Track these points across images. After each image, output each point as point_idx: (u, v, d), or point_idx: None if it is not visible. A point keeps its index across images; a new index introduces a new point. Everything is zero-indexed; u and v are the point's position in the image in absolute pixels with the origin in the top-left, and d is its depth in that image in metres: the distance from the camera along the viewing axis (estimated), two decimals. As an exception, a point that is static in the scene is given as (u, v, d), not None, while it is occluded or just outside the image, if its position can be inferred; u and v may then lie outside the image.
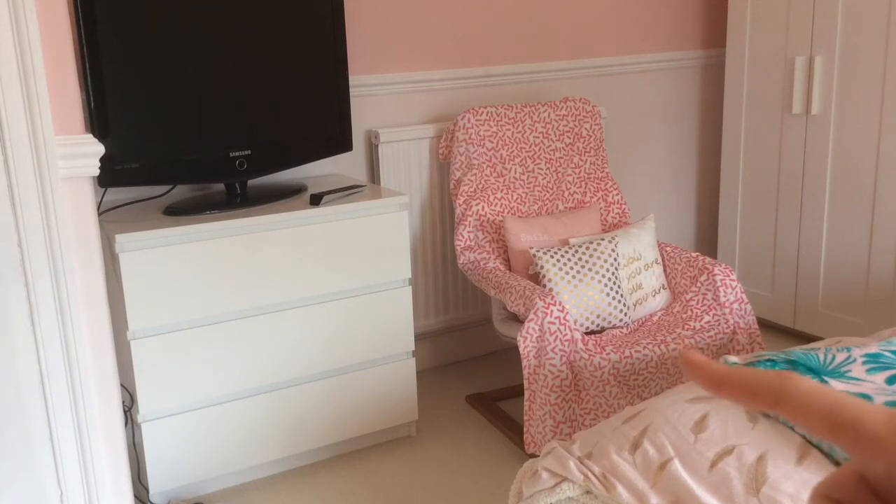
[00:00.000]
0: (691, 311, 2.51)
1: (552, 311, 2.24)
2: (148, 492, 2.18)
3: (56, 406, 1.69)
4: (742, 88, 3.18)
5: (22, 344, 1.64)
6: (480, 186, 2.71)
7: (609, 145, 3.29)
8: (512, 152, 2.76)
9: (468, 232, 2.67)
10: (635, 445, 1.46)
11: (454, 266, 2.95)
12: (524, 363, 2.25)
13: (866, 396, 1.48)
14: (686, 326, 2.44)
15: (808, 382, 0.33)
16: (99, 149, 1.67)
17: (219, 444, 2.23)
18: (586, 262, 2.48)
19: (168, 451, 2.17)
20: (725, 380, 0.34)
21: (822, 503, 0.33)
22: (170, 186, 2.43)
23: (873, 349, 1.62)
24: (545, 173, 2.82)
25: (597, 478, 1.45)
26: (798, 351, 1.63)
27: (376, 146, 2.76)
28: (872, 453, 0.30)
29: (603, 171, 2.91)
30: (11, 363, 1.64)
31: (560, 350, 2.24)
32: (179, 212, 2.20)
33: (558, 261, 2.47)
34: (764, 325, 3.32)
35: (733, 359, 1.61)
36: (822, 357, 1.59)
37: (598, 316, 2.46)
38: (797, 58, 2.93)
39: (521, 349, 2.24)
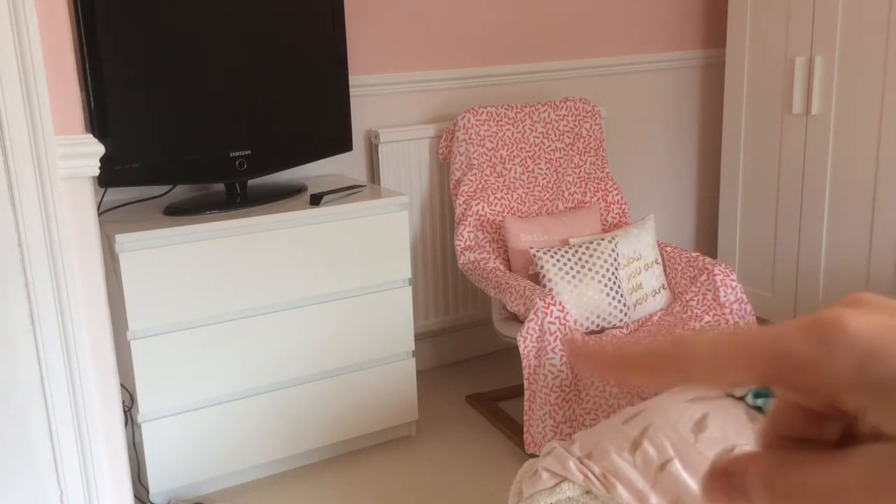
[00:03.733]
0: (691, 311, 2.51)
1: (552, 311, 2.24)
2: (148, 492, 2.18)
3: (56, 406, 1.70)
4: (742, 88, 3.18)
5: (22, 344, 1.64)
6: (480, 186, 2.71)
7: (609, 145, 3.29)
8: (512, 152, 2.76)
9: (468, 232, 2.67)
10: (635, 445, 1.46)
11: (454, 266, 2.95)
12: (524, 363, 2.25)
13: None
14: (686, 326, 2.44)
15: (706, 336, 0.29)
16: (99, 149, 1.67)
17: (219, 444, 2.23)
18: (586, 262, 2.48)
19: (168, 451, 2.17)
20: (619, 363, 0.31)
21: (769, 442, 0.30)
22: (170, 186, 2.43)
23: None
24: (545, 173, 2.82)
25: (597, 478, 1.45)
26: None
27: (376, 146, 2.76)
28: (805, 374, 0.27)
29: (603, 171, 2.91)
30: (11, 363, 1.64)
31: (560, 350, 2.24)
32: (179, 212, 2.20)
33: (558, 261, 2.47)
34: (764, 325, 3.32)
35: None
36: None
37: (598, 316, 2.46)
38: (797, 58, 2.93)
39: (521, 349, 2.24)
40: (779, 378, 0.27)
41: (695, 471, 1.37)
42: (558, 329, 2.24)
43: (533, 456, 2.36)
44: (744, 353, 0.28)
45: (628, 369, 0.30)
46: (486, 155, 2.72)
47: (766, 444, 0.30)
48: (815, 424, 0.29)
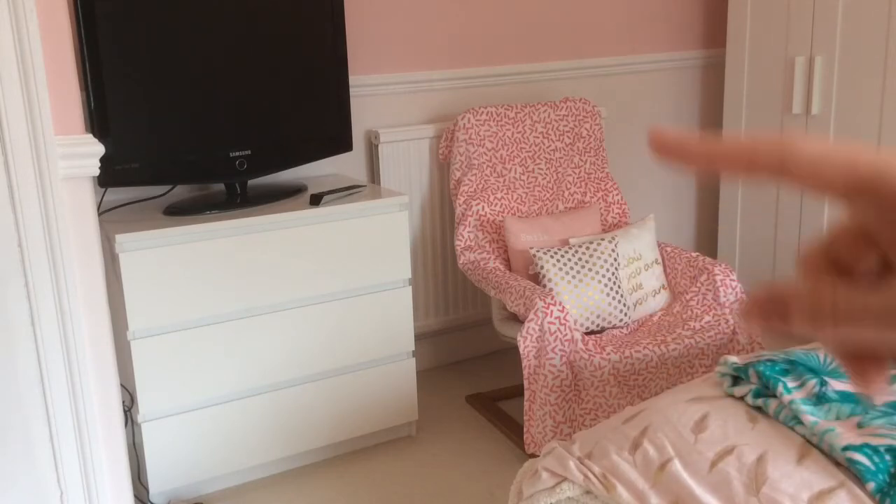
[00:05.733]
0: (691, 311, 2.51)
1: (552, 311, 2.24)
2: (148, 492, 2.18)
3: (56, 406, 1.70)
4: (742, 88, 3.18)
5: (22, 344, 1.64)
6: (480, 186, 2.71)
7: (609, 145, 3.29)
8: (512, 152, 2.76)
9: (468, 232, 2.67)
10: (635, 445, 1.46)
11: (454, 266, 2.95)
12: (524, 363, 2.25)
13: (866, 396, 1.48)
14: (686, 326, 2.44)
15: (813, 141, 0.29)
16: (99, 149, 1.67)
17: (219, 444, 2.23)
18: (586, 262, 2.48)
19: (168, 451, 2.17)
20: (717, 150, 0.30)
21: (814, 265, 0.31)
22: (170, 186, 2.43)
23: (873, 349, 1.62)
24: (545, 173, 2.82)
25: (597, 478, 1.45)
26: (798, 351, 1.63)
27: (376, 146, 2.76)
28: (891, 206, 0.27)
29: (603, 171, 2.91)
30: (11, 363, 1.64)
31: (560, 350, 2.24)
32: (179, 212, 2.20)
33: (558, 261, 2.47)
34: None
35: (733, 359, 1.61)
36: (821, 357, 1.59)
37: (598, 316, 2.46)
38: (797, 58, 2.93)
39: (521, 349, 2.24)
40: (871, 195, 0.28)
41: (695, 471, 1.37)
42: (558, 329, 2.24)
43: (533, 456, 2.36)
44: (848, 164, 0.29)
45: (722, 160, 0.30)
46: (486, 155, 2.72)
47: (810, 267, 0.31)
48: (864, 255, 0.30)
